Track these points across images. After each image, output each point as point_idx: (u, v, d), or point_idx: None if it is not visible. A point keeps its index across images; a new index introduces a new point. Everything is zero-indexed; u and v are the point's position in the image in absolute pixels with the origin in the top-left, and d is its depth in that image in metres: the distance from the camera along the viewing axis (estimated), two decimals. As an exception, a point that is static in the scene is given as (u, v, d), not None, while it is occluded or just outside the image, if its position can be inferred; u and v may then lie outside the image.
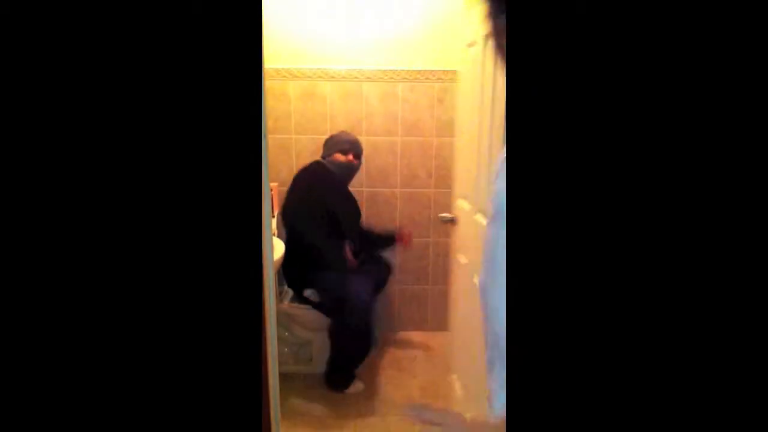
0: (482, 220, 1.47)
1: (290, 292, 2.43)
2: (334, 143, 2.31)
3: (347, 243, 2.26)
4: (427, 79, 2.53)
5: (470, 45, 1.73)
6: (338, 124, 2.58)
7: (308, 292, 2.33)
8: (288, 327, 2.45)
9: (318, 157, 2.37)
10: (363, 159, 2.41)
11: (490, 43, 0.87)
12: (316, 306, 2.30)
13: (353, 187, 2.44)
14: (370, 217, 2.67)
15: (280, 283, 2.45)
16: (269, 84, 2.45)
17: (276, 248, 2.13)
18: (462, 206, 1.87)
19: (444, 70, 2.49)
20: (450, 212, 2.05)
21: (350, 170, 2.32)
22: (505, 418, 0.50)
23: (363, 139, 2.50)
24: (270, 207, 1.31)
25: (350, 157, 2.28)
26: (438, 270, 2.74)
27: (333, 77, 2.53)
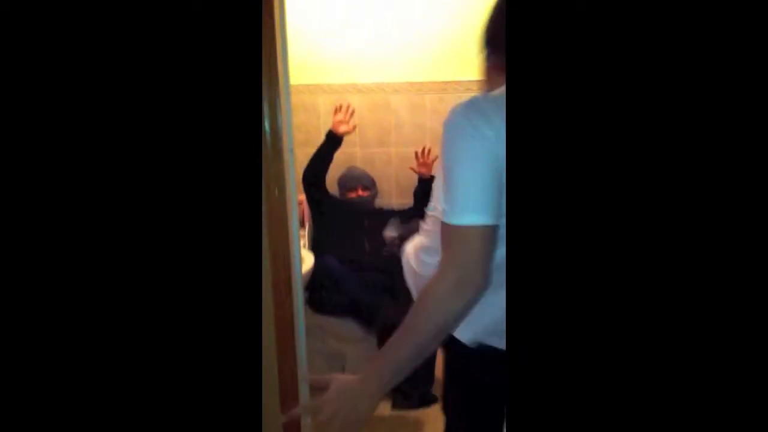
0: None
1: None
2: (341, 184, 2.48)
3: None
4: (455, 89, 2.53)
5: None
6: (367, 136, 2.60)
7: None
8: (322, 338, 2.46)
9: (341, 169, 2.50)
10: (375, 186, 2.52)
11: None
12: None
13: (380, 199, 2.50)
14: (401, 228, 2.67)
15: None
16: (299, 99, 2.50)
17: (305, 260, 2.16)
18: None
19: (471, 80, 2.48)
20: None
21: (363, 203, 2.45)
22: None
23: (392, 151, 2.53)
24: (297, 219, 1.34)
25: (359, 192, 2.44)
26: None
27: (361, 90, 2.56)
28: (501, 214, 0.74)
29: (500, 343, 0.89)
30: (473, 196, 0.74)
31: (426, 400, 2.12)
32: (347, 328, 2.29)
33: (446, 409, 1.16)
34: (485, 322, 0.86)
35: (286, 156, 1.23)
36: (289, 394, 1.30)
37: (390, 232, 2.25)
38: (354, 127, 2.30)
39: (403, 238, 2.21)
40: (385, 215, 2.51)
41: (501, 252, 0.77)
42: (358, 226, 2.42)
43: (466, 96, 0.81)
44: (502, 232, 0.76)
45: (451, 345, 0.94)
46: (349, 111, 2.28)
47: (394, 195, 2.66)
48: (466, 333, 0.91)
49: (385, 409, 2.21)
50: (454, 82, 2.53)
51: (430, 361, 2.01)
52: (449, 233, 0.76)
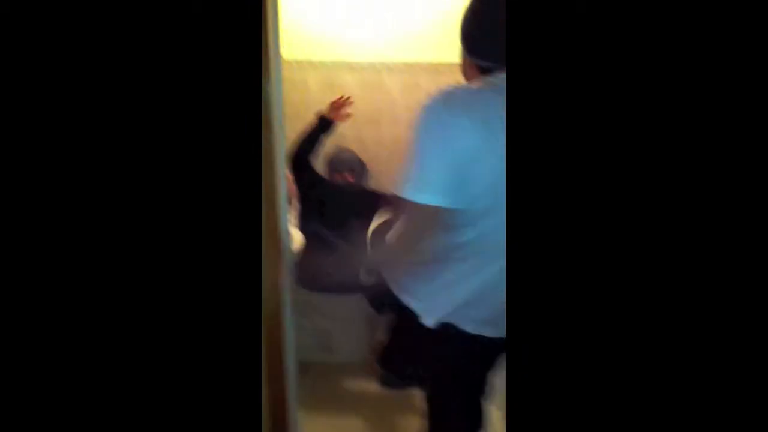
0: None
1: None
2: (330, 166, 2.42)
3: None
4: (449, 70, 2.50)
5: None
6: (360, 115, 2.58)
7: None
8: (308, 316, 2.47)
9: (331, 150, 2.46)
10: (364, 169, 2.48)
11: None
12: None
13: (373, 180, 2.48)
14: (391, 209, 2.67)
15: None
16: (289, 75, 2.47)
17: (294, 237, 2.15)
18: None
19: (466, 61, 2.45)
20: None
21: (351, 187, 2.41)
22: None
23: (385, 131, 2.52)
24: (286, 196, 1.32)
25: (346, 176, 2.38)
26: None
27: (354, 68, 2.53)
28: (467, 200, 0.78)
29: (463, 323, 0.96)
30: (436, 178, 0.78)
31: (415, 381, 2.14)
32: (333, 304, 2.30)
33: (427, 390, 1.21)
34: (448, 304, 0.94)
35: (277, 131, 1.22)
36: (275, 371, 1.30)
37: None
38: (348, 116, 2.27)
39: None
40: (375, 198, 2.50)
41: (462, 234, 0.83)
42: (348, 208, 2.40)
43: (460, 79, 0.82)
44: (470, 217, 0.81)
45: (419, 329, 1.01)
46: (348, 102, 2.25)
47: (386, 177, 2.65)
48: (429, 318, 0.98)
49: (374, 387, 2.23)
50: (448, 63, 2.50)
51: (422, 345, 2.03)
52: (407, 206, 0.82)
